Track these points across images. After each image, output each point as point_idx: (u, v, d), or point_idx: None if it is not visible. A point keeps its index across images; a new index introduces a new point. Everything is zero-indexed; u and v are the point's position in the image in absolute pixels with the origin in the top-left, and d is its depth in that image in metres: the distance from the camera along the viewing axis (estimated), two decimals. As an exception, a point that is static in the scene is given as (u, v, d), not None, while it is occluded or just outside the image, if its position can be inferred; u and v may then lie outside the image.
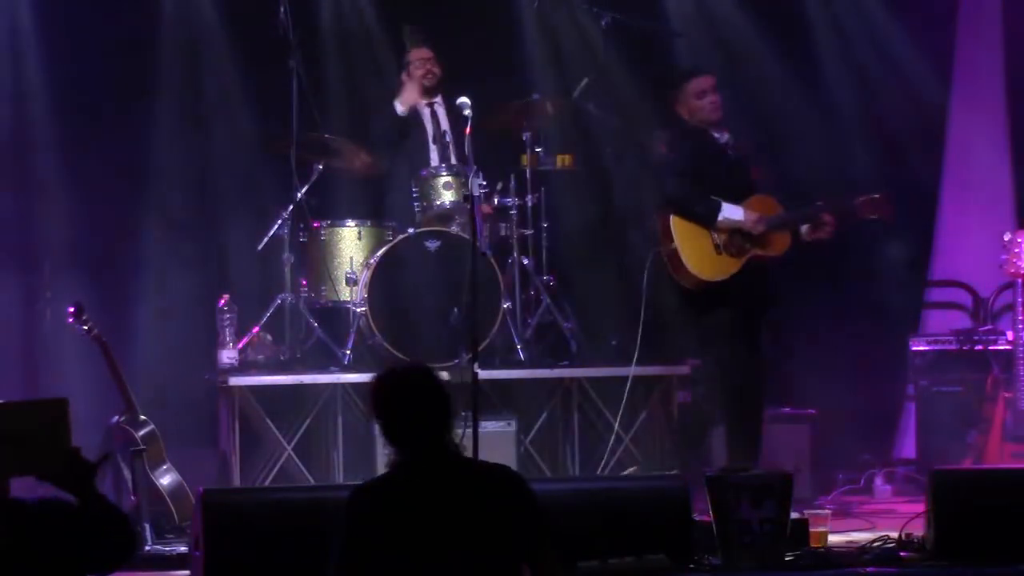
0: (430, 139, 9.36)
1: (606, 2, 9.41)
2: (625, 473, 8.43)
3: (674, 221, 8.13)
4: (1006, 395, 8.44)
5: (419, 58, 9.37)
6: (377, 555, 4.47)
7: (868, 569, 6.67)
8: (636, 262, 9.12)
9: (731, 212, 8.07)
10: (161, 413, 8.32)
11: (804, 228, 8.19)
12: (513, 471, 4.71)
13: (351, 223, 9.04)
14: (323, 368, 8.69)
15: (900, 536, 7.00)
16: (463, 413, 7.06)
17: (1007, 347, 8.99)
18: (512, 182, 9.07)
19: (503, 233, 9.05)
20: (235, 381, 8.52)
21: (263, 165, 9.43)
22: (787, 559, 6.66)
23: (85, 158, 9.34)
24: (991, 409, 8.48)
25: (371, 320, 8.68)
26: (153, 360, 9.19)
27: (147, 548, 7.31)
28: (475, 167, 8.12)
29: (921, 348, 9.50)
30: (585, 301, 9.38)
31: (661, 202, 8.33)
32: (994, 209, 9.92)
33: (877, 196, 8.30)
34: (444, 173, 9.03)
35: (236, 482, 8.37)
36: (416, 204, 9.07)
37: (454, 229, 8.87)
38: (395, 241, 8.84)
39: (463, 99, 8.24)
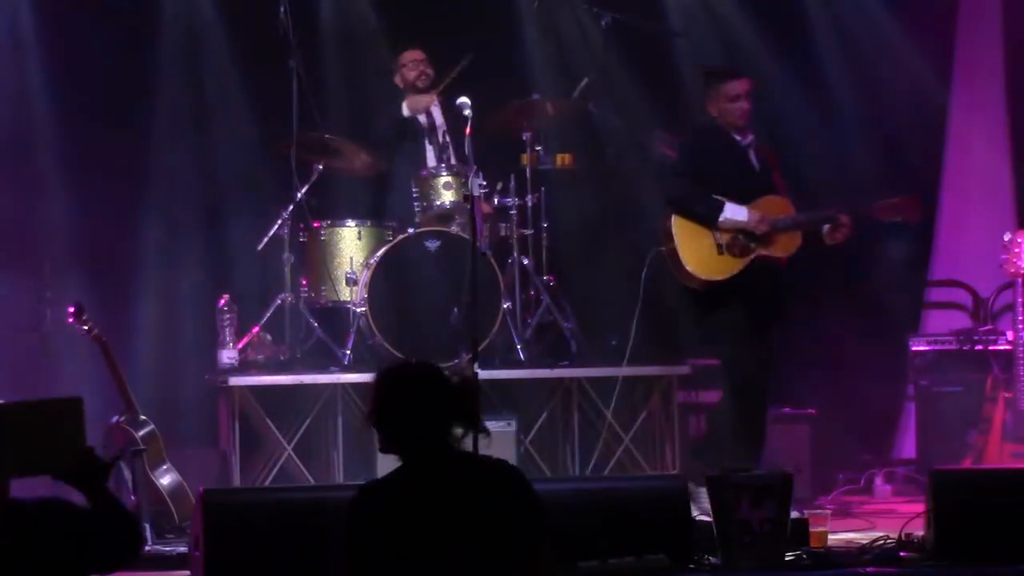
0: (426, 140, 9.36)
1: (606, 2, 9.41)
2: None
3: (675, 221, 8.11)
4: (1006, 395, 8.44)
5: (411, 60, 9.38)
6: (381, 556, 4.46)
7: (868, 569, 6.67)
8: (635, 261, 9.13)
9: (734, 212, 8.02)
10: (161, 413, 8.32)
11: (825, 229, 8.09)
12: (513, 467, 4.70)
13: (351, 223, 9.04)
14: (323, 368, 8.69)
15: (900, 536, 7.00)
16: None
17: (1007, 347, 8.99)
18: (512, 182, 9.08)
19: (503, 233, 9.05)
20: (235, 381, 8.52)
21: (263, 165, 9.43)
22: (787, 559, 6.66)
23: (85, 158, 9.34)
24: (991, 409, 8.48)
25: (371, 320, 8.68)
26: (153, 360, 9.19)
27: (147, 548, 7.29)
28: (475, 167, 8.13)
29: (921, 348, 9.50)
30: (585, 301, 9.38)
31: (663, 202, 8.31)
32: (994, 209, 9.92)
33: (899, 199, 8.22)
34: (444, 173, 9.03)
35: (236, 482, 8.37)
36: (416, 204, 9.07)
37: (454, 229, 8.87)
38: (395, 241, 8.85)
39: (463, 99, 8.24)
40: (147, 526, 7.46)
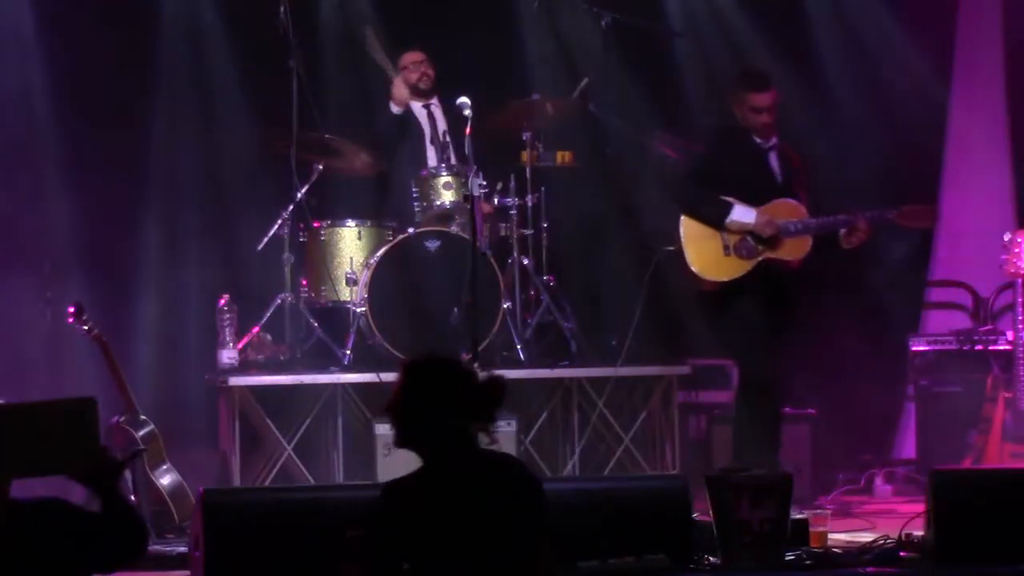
0: (428, 140, 9.36)
1: (606, 2, 9.41)
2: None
3: (683, 222, 8.06)
4: (1006, 395, 8.44)
5: (412, 61, 9.38)
6: (408, 553, 4.45)
7: (868, 569, 6.67)
8: (636, 261, 9.14)
9: (741, 215, 7.98)
10: (161, 413, 8.32)
11: (841, 233, 8.04)
12: (526, 468, 4.70)
13: (351, 223, 9.04)
14: (323, 368, 8.69)
15: (900, 536, 7.00)
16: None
17: (1007, 347, 8.98)
18: (512, 182, 9.08)
19: (503, 233, 9.05)
20: (235, 381, 8.52)
21: (263, 165, 9.43)
22: (787, 559, 6.66)
23: (85, 158, 9.33)
24: (991, 409, 8.48)
25: (371, 320, 8.68)
26: (153, 360, 9.19)
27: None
28: (475, 167, 8.13)
29: (921, 348, 9.50)
30: (585, 301, 9.38)
31: (671, 203, 8.27)
32: (994, 209, 9.92)
33: (918, 207, 8.17)
34: (444, 173, 9.04)
35: (236, 482, 8.37)
36: (416, 204, 9.08)
37: (454, 229, 8.87)
38: (395, 241, 8.85)
39: (463, 99, 8.25)
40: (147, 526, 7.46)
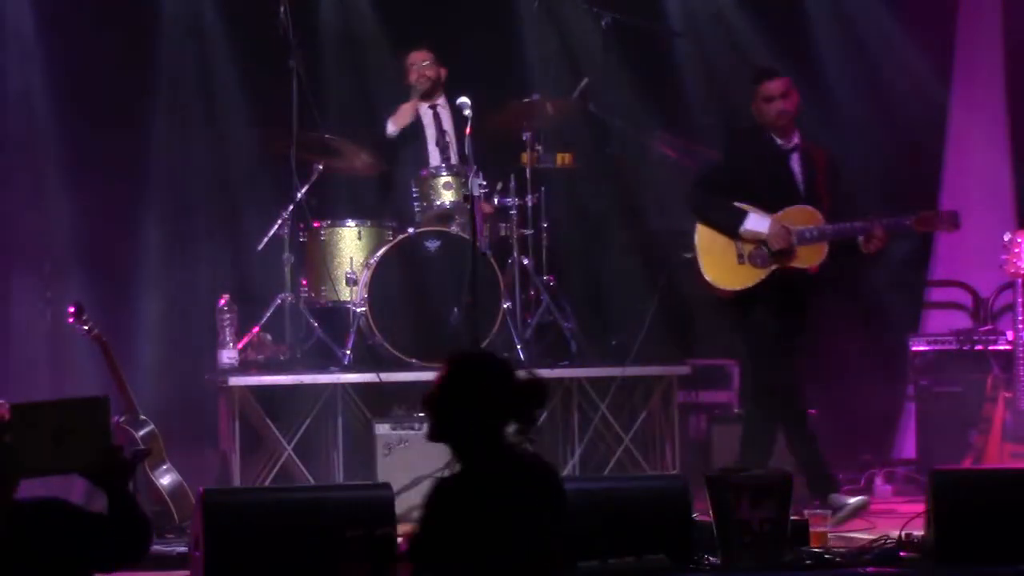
0: (432, 142, 9.36)
1: (606, 2, 9.41)
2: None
3: (698, 230, 7.98)
4: (1006, 395, 8.43)
5: (412, 62, 9.38)
6: (455, 552, 4.44)
7: (868, 569, 6.67)
8: (636, 261, 9.15)
9: (755, 223, 7.88)
10: (161, 413, 8.32)
11: (860, 239, 7.91)
12: (550, 466, 4.68)
13: (351, 223, 9.04)
14: (323, 368, 8.69)
15: (900, 536, 7.00)
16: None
17: (1007, 347, 8.98)
18: (512, 182, 9.08)
19: (503, 233, 9.05)
20: (235, 381, 8.52)
21: (263, 165, 9.43)
22: (787, 559, 6.66)
23: (85, 158, 9.34)
24: (991, 409, 8.48)
25: (371, 320, 8.68)
26: (153, 360, 9.19)
27: (147, 548, 7.30)
28: (475, 167, 8.13)
29: (921, 348, 9.50)
30: (585, 301, 9.38)
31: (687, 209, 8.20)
32: (994, 209, 9.92)
33: (936, 212, 8.11)
34: (444, 173, 9.04)
35: (236, 482, 8.37)
36: (416, 204, 9.08)
37: (454, 229, 8.87)
38: (395, 241, 8.85)
39: (463, 99, 8.25)
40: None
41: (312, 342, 8.92)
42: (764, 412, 8.01)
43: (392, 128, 9.34)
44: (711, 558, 6.64)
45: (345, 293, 8.90)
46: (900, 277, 10.02)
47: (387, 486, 6.69)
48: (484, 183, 8.29)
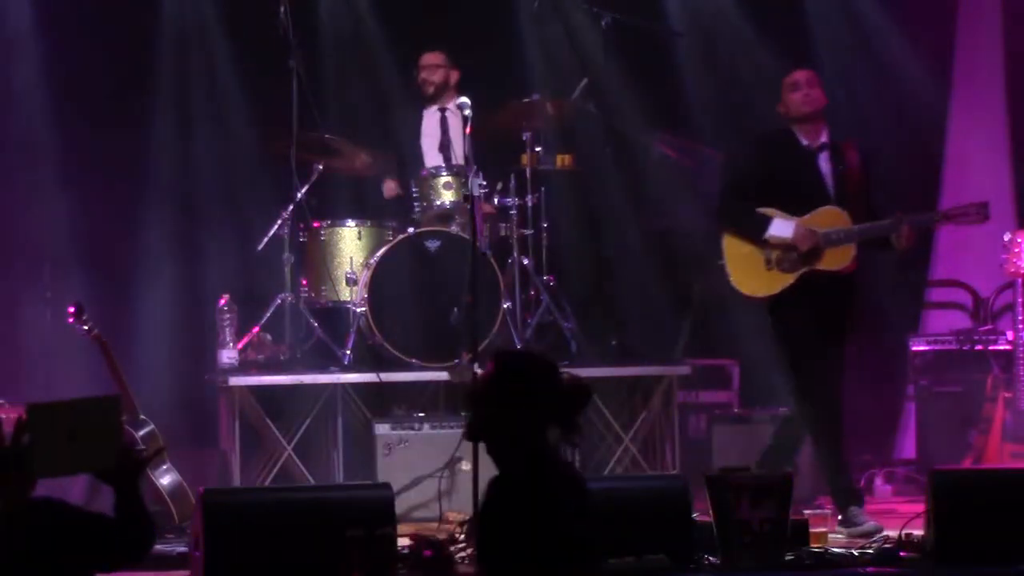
0: (436, 145, 9.36)
1: (606, 2, 9.41)
2: None
3: (725, 239, 7.88)
4: (1006, 395, 8.44)
5: (421, 65, 9.39)
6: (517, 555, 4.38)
7: (868, 569, 6.68)
8: (636, 261, 9.15)
9: (780, 228, 7.75)
10: (161, 413, 8.32)
11: (892, 237, 7.74)
12: (578, 472, 4.65)
13: (351, 223, 9.05)
14: (323, 368, 8.69)
15: (900, 536, 7.01)
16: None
17: (1007, 347, 8.99)
18: (512, 182, 9.08)
19: (503, 233, 9.05)
20: (235, 381, 8.52)
21: (263, 165, 9.43)
22: (787, 559, 6.67)
23: (85, 158, 9.34)
24: (991, 409, 8.48)
25: (371, 320, 8.68)
26: (153, 360, 9.19)
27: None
28: (475, 167, 8.13)
29: (921, 348, 9.50)
30: (586, 301, 9.38)
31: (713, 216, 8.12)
32: (994, 209, 9.90)
33: (965, 206, 7.93)
34: (444, 173, 9.04)
35: (236, 482, 8.37)
36: (416, 204, 9.09)
37: (454, 229, 8.87)
38: (395, 241, 8.85)
39: (463, 99, 8.25)
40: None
41: (312, 342, 8.92)
42: (798, 418, 7.90)
43: (387, 194, 9.38)
44: (711, 558, 6.65)
45: (345, 293, 8.90)
46: (900, 277, 10.02)
47: (387, 486, 6.69)
48: (484, 183, 8.29)
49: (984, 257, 9.31)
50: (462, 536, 7.07)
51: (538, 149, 9.26)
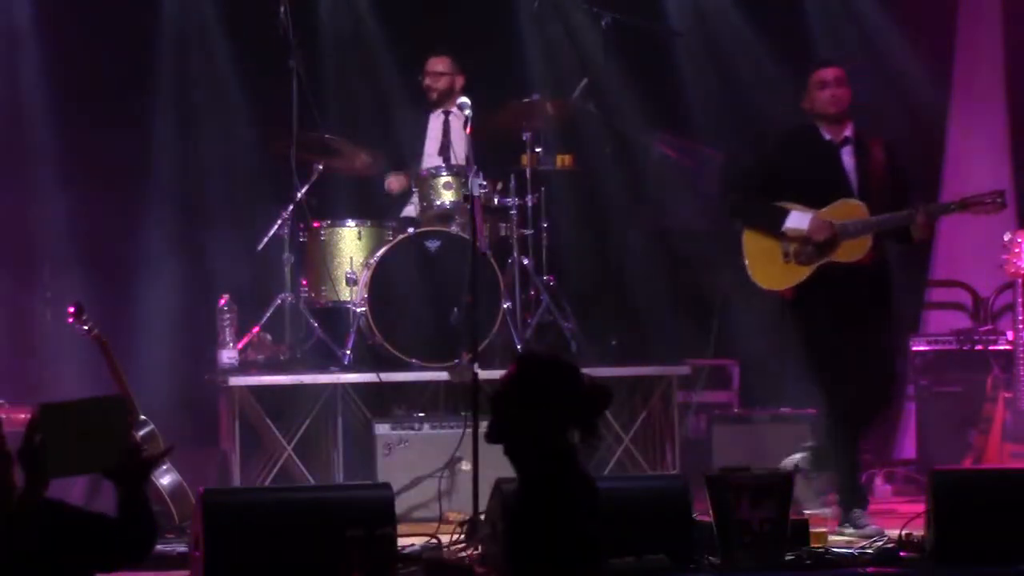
0: (436, 148, 9.36)
1: (606, 2, 9.41)
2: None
3: (746, 231, 7.85)
4: (1006, 395, 8.44)
5: (427, 70, 9.40)
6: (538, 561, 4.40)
7: (868, 569, 6.68)
8: (635, 261, 9.15)
9: (797, 220, 7.71)
10: (161, 413, 8.32)
11: (912, 227, 7.73)
12: (591, 479, 4.65)
13: (351, 223, 9.05)
14: (323, 368, 8.69)
15: (900, 536, 7.01)
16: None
17: (1007, 347, 8.99)
18: (512, 182, 9.08)
19: (503, 233, 9.05)
20: (235, 381, 8.52)
21: (263, 165, 9.43)
22: (787, 559, 6.67)
23: (85, 157, 9.34)
24: (991, 409, 8.48)
25: (371, 320, 8.68)
26: (153, 360, 9.19)
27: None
28: (475, 167, 8.13)
29: (921, 348, 9.50)
30: (585, 301, 9.38)
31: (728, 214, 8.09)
32: (988, 215, 9.90)
33: (981, 194, 7.88)
34: (444, 173, 9.04)
35: (236, 482, 8.37)
36: (416, 204, 9.10)
37: (454, 229, 8.88)
38: (395, 241, 8.85)
39: (463, 99, 8.26)
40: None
41: (312, 342, 8.93)
42: (834, 418, 7.80)
43: (388, 187, 9.38)
44: (711, 558, 6.64)
45: (345, 293, 8.90)
46: (900, 277, 10.01)
47: (387, 486, 6.69)
48: (484, 183, 8.29)
49: (984, 257, 9.30)
50: (462, 536, 7.08)
51: (538, 149, 9.26)
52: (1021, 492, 6.77)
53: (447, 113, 9.39)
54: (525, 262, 9.04)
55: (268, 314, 8.92)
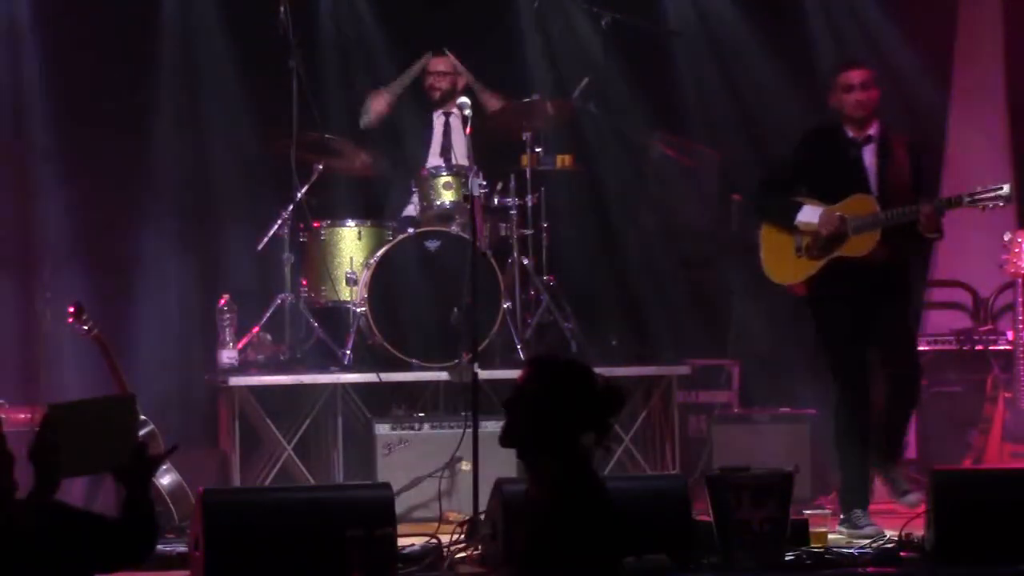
0: (437, 149, 9.36)
1: (606, 2, 9.41)
2: None
3: (763, 227, 7.88)
4: (1006, 395, 8.44)
5: (429, 70, 9.40)
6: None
7: (868, 569, 6.68)
8: (635, 261, 9.14)
9: (808, 215, 7.71)
10: (161, 413, 8.32)
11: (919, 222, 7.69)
12: (601, 481, 4.59)
13: (351, 223, 9.05)
14: (323, 368, 8.69)
15: (900, 536, 7.01)
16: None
17: (1007, 347, 8.98)
18: (512, 182, 9.08)
19: (503, 233, 9.06)
20: (235, 381, 8.52)
21: (263, 165, 9.43)
22: (787, 559, 6.67)
23: (85, 157, 9.34)
24: (991, 409, 8.48)
25: (371, 320, 8.68)
26: (153, 360, 9.19)
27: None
28: (475, 167, 8.12)
29: (921, 348, 9.48)
30: (585, 301, 9.38)
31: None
32: (994, 209, 9.90)
33: (988, 187, 7.81)
34: (444, 173, 9.04)
35: (236, 482, 8.37)
36: (416, 204, 9.10)
37: (454, 229, 8.88)
38: (395, 241, 8.85)
39: (463, 99, 8.26)
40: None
41: (312, 342, 8.92)
42: (854, 412, 7.78)
43: (365, 119, 9.34)
44: (711, 558, 6.64)
45: (345, 293, 8.90)
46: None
47: (387, 486, 6.70)
48: (484, 183, 8.28)
49: (984, 257, 9.30)
50: (462, 536, 7.08)
51: (538, 149, 9.26)
52: (1021, 492, 6.78)
53: (448, 114, 9.39)
54: (525, 262, 9.04)
55: (268, 314, 8.91)
